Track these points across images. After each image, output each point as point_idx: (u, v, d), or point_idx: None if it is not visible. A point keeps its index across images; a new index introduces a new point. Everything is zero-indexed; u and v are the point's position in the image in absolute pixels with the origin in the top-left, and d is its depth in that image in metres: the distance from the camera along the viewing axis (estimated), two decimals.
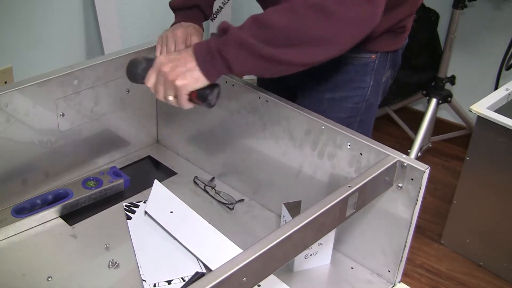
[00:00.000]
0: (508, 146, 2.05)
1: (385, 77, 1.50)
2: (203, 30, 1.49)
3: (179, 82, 1.13)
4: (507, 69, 2.51)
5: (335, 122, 1.22)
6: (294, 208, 1.25)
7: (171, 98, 1.17)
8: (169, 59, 1.16)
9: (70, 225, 1.32)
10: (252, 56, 1.09)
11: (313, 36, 1.07)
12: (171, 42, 1.40)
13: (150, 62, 1.20)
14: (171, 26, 1.48)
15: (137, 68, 1.21)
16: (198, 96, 1.16)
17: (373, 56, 1.43)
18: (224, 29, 1.16)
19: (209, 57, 1.13)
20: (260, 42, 1.08)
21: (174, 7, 1.53)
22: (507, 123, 2.01)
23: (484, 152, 2.14)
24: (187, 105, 1.18)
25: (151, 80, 1.18)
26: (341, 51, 1.11)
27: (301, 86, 1.51)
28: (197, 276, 1.19)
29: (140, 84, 1.22)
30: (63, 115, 1.37)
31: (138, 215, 1.36)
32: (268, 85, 1.58)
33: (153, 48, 1.50)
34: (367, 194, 1.07)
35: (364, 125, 1.51)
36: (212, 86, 1.17)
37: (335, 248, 1.27)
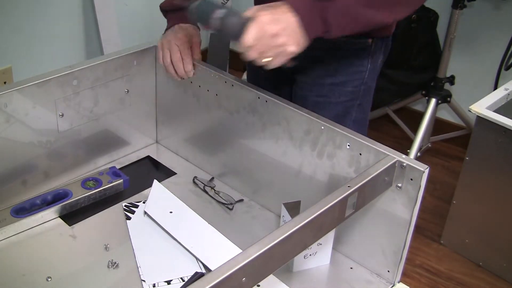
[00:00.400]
0: (507, 146, 2.05)
1: (380, 62, 1.54)
2: (199, 30, 1.48)
3: (291, 47, 1.12)
4: (507, 69, 2.51)
5: (335, 122, 1.22)
6: (294, 208, 1.25)
7: (268, 58, 1.13)
8: (272, 18, 1.11)
9: (70, 225, 1.32)
10: (353, 21, 1.15)
11: None
12: (175, 47, 1.40)
13: (236, 14, 1.13)
14: (167, 29, 1.47)
15: (228, 19, 1.12)
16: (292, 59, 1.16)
17: (370, 40, 1.47)
18: None
19: (312, 21, 1.13)
20: (361, 6, 1.14)
21: (166, 9, 1.50)
22: (507, 123, 2.01)
23: (483, 152, 2.14)
24: (275, 66, 1.16)
25: (251, 37, 1.10)
26: (416, 8, 1.23)
27: (302, 73, 1.53)
28: (197, 276, 1.19)
29: (224, 36, 1.16)
30: (62, 115, 1.37)
31: (137, 215, 1.36)
32: (263, 73, 1.59)
33: (154, 48, 1.50)
34: (367, 194, 1.07)
35: (363, 108, 1.55)
36: None
37: (334, 248, 1.27)
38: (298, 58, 1.15)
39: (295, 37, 1.12)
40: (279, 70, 1.48)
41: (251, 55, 1.12)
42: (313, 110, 1.33)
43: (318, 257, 1.25)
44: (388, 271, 1.21)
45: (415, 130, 2.74)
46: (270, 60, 1.13)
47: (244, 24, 1.11)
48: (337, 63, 1.48)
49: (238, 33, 1.11)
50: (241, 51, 1.14)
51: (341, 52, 1.47)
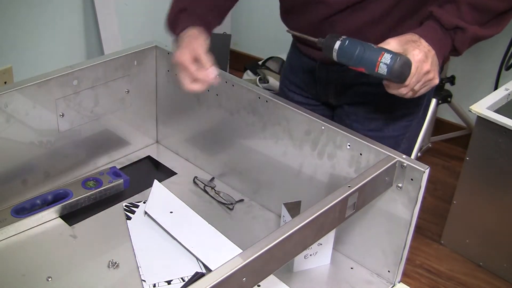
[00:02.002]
0: (508, 146, 2.05)
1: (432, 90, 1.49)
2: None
3: (437, 80, 1.17)
4: (507, 69, 2.51)
5: (335, 123, 1.22)
6: (294, 208, 1.25)
7: (413, 89, 1.16)
8: (426, 56, 1.14)
9: (70, 225, 1.32)
10: (474, 42, 1.20)
11: None
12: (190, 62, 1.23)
13: (398, 56, 1.12)
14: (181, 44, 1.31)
15: (397, 64, 1.11)
16: None
17: None
18: (457, 27, 1.18)
19: (443, 51, 1.18)
20: (479, 27, 1.17)
21: (172, 17, 1.39)
22: (507, 123, 2.01)
23: (484, 152, 2.14)
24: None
25: (413, 81, 1.14)
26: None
27: (353, 105, 1.44)
28: (197, 276, 1.19)
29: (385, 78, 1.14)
30: (62, 115, 1.37)
31: (137, 215, 1.36)
32: (294, 92, 1.53)
33: (154, 48, 1.50)
34: (367, 194, 1.07)
35: (410, 140, 1.49)
36: None
37: (335, 248, 1.27)
38: None
39: (437, 70, 1.17)
40: (322, 103, 1.48)
41: (403, 91, 1.15)
42: None
43: (319, 257, 1.25)
44: (389, 271, 1.21)
45: None
46: (414, 91, 1.16)
47: (408, 65, 1.12)
48: (395, 99, 1.36)
49: (403, 76, 1.13)
50: (395, 89, 1.16)
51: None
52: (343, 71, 1.28)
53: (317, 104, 1.50)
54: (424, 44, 1.14)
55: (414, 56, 1.12)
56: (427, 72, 1.14)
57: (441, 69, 1.25)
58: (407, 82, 1.13)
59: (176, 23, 1.38)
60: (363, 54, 1.11)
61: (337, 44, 1.14)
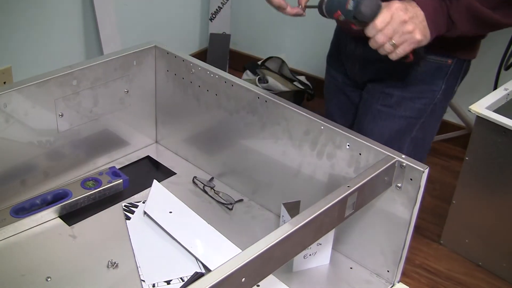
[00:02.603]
0: (507, 146, 2.05)
1: (456, 85, 1.51)
2: None
3: (418, 36, 1.16)
4: (506, 69, 2.51)
5: (334, 122, 1.22)
6: (293, 208, 1.25)
7: (391, 44, 1.16)
8: (405, 8, 1.16)
9: (69, 226, 1.32)
10: (476, 20, 1.18)
11: None
12: None
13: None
14: None
15: (364, 2, 1.15)
16: (414, 53, 1.20)
17: (450, 61, 1.45)
18: None
19: (437, 18, 1.18)
20: (485, 7, 1.17)
21: None
22: (506, 123, 2.01)
23: (483, 152, 2.14)
24: (399, 57, 1.19)
25: (384, 21, 1.15)
26: None
27: (373, 81, 1.52)
28: (196, 276, 1.19)
29: (355, 19, 1.17)
30: (62, 115, 1.37)
31: (137, 215, 1.36)
32: (335, 72, 1.63)
33: (153, 48, 1.50)
34: (366, 194, 1.07)
35: (426, 127, 1.50)
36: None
37: (334, 248, 1.27)
38: (421, 54, 1.22)
39: (422, 28, 1.17)
40: (351, 81, 1.54)
41: (379, 38, 1.16)
42: (374, 120, 1.32)
43: (318, 257, 1.25)
44: (388, 271, 1.21)
45: None
46: (395, 46, 1.16)
47: (378, 7, 1.16)
48: (409, 77, 1.46)
49: (370, 16, 1.16)
50: (370, 35, 1.18)
51: (417, 67, 1.45)
52: (365, 44, 1.28)
53: (351, 84, 1.60)
54: (411, 3, 1.17)
55: (392, 4, 1.15)
56: (404, 22, 1.15)
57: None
58: (380, 26, 1.15)
59: None
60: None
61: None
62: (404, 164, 1.10)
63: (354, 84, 1.63)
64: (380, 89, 1.50)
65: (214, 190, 1.46)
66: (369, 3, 1.15)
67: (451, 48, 1.42)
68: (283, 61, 3.40)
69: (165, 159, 1.59)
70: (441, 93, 1.47)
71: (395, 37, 1.16)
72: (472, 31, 1.26)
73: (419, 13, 1.17)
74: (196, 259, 1.24)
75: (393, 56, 1.19)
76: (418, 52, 1.22)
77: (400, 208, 1.13)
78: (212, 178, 1.51)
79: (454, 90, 1.52)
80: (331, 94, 1.73)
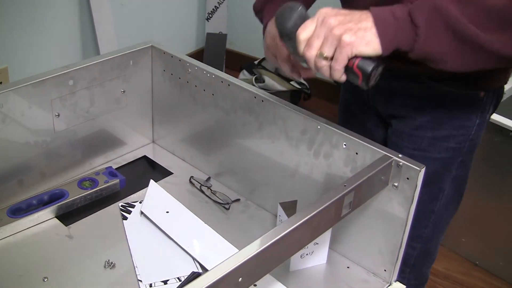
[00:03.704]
0: (504, 145, 2.05)
1: (489, 115, 1.36)
2: None
3: (347, 38, 0.93)
4: None
5: (331, 122, 1.22)
6: (290, 208, 1.25)
7: (324, 56, 0.95)
8: (337, 12, 0.96)
9: (66, 226, 1.32)
10: (450, 31, 0.91)
11: None
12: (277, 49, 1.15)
13: (305, 13, 0.99)
14: (264, 33, 1.24)
15: (292, 11, 0.99)
16: (359, 66, 0.95)
17: (482, 94, 1.28)
18: None
19: (392, 20, 0.94)
20: (464, 18, 0.90)
21: (258, 8, 1.29)
22: (504, 122, 2.01)
23: (480, 151, 2.14)
24: (340, 74, 0.96)
25: (307, 29, 0.96)
26: None
27: (400, 121, 1.37)
28: (193, 276, 1.19)
29: (284, 36, 1.00)
30: (58, 115, 1.36)
31: (134, 215, 1.36)
32: (355, 110, 1.45)
33: (150, 48, 1.50)
34: (363, 193, 1.07)
35: (465, 165, 1.39)
36: (378, 60, 0.96)
37: (331, 247, 1.27)
38: (368, 70, 0.96)
39: (357, 30, 0.94)
40: (374, 111, 1.35)
41: (306, 52, 0.97)
42: None
43: (315, 257, 1.25)
44: (385, 270, 1.21)
45: None
46: (324, 62, 0.96)
47: (301, 17, 0.99)
48: (441, 115, 1.29)
49: (292, 28, 0.99)
50: (300, 53, 0.99)
51: (448, 103, 1.27)
52: (390, 76, 1.14)
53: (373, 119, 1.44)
54: (358, 11, 0.97)
55: (322, 9, 0.97)
56: (333, 28, 0.94)
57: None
58: (302, 36, 0.96)
59: (261, 13, 1.30)
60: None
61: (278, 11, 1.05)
62: (401, 163, 1.10)
63: (377, 118, 1.45)
64: (409, 132, 1.35)
65: (211, 190, 1.46)
66: (288, 13, 1.00)
67: (481, 79, 1.26)
68: None
69: (162, 159, 1.59)
70: (476, 128, 1.33)
71: (324, 48, 0.95)
72: (448, 54, 0.95)
73: (363, 17, 0.95)
74: (193, 258, 1.24)
75: (335, 76, 0.97)
76: (361, 67, 0.96)
77: (397, 207, 1.13)
78: (209, 178, 1.51)
79: (488, 119, 1.37)
80: (349, 123, 1.44)
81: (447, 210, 1.42)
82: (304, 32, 0.97)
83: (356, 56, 0.95)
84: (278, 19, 1.03)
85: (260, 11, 1.31)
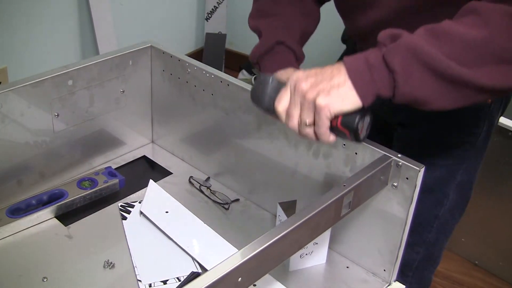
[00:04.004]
0: (502, 144, 2.05)
1: (497, 120, 1.34)
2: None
3: (321, 100, 0.89)
4: None
5: None
6: (290, 208, 1.25)
7: (307, 123, 0.92)
8: (308, 74, 0.92)
9: (65, 226, 1.32)
10: (430, 72, 0.86)
11: None
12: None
13: (278, 83, 0.97)
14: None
15: (265, 85, 0.97)
16: (343, 123, 0.91)
17: (490, 101, 1.25)
18: (392, 35, 0.91)
19: (367, 69, 0.89)
20: (442, 55, 0.86)
21: (254, 60, 1.25)
22: (503, 122, 2.01)
23: None
24: (328, 136, 0.93)
25: (283, 101, 0.94)
26: None
27: (407, 127, 1.35)
28: (193, 276, 1.19)
29: (265, 111, 0.98)
30: (58, 115, 1.36)
31: (133, 215, 1.36)
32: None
33: (149, 48, 1.50)
34: (362, 193, 1.07)
35: (470, 171, 1.36)
36: (361, 112, 0.92)
37: (330, 247, 1.27)
38: (353, 126, 0.92)
39: (331, 90, 0.90)
40: (377, 117, 1.27)
41: (289, 122, 0.95)
42: None
43: (314, 257, 1.25)
44: (384, 270, 1.21)
45: None
46: (309, 129, 0.93)
47: (274, 90, 0.96)
48: (448, 123, 1.27)
49: (261, 97, 0.98)
50: (284, 123, 0.96)
51: (455, 111, 1.08)
52: None
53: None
54: (328, 66, 0.93)
55: (294, 74, 0.93)
56: (306, 93, 0.91)
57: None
58: (280, 108, 0.94)
59: (259, 66, 1.26)
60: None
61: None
62: (400, 163, 1.10)
63: (380, 123, 1.33)
64: (415, 139, 1.34)
65: (210, 190, 1.46)
66: (262, 89, 0.97)
67: None
68: None
69: (161, 159, 1.59)
70: (483, 134, 1.31)
71: (303, 115, 0.92)
72: (432, 95, 0.90)
73: (335, 72, 0.91)
74: (193, 258, 1.24)
75: (322, 139, 0.94)
76: (345, 125, 0.92)
77: (396, 207, 1.13)
78: (208, 178, 1.51)
79: (496, 124, 1.35)
80: None
81: (451, 216, 1.41)
82: (281, 104, 0.95)
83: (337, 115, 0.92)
84: (253, 97, 1.00)
85: (256, 64, 1.28)
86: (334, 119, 0.91)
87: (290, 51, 1.22)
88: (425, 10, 1.05)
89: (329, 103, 0.89)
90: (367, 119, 0.93)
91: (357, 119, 0.91)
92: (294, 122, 0.94)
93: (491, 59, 0.86)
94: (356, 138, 0.93)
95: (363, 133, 0.93)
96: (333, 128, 0.92)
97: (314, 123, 0.93)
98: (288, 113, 0.94)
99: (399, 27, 0.93)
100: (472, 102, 0.91)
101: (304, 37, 1.29)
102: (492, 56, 0.86)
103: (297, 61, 1.22)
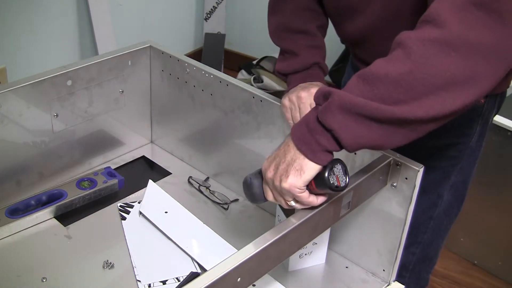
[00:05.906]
0: (501, 144, 2.05)
1: (491, 121, 1.34)
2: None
3: (284, 184, 0.93)
4: None
5: None
6: (289, 208, 1.25)
7: (292, 204, 0.97)
8: (270, 160, 0.97)
9: (65, 226, 1.32)
10: (366, 120, 0.87)
11: (445, 77, 0.85)
12: (296, 110, 1.20)
13: (259, 175, 1.02)
14: (288, 90, 1.27)
15: (252, 188, 1.02)
16: (318, 186, 0.94)
17: (483, 101, 1.25)
18: (324, 94, 0.93)
19: (308, 133, 0.92)
20: (374, 101, 0.86)
21: (287, 72, 1.30)
22: (502, 122, 2.01)
23: None
24: (315, 201, 0.96)
25: (267, 193, 1.00)
26: (491, 87, 0.88)
27: None
28: (192, 276, 1.19)
29: (264, 202, 1.04)
30: (57, 115, 1.36)
31: (132, 216, 1.36)
32: None
33: (148, 48, 1.50)
34: (362, 193, 1.07)
35: (465, 172, 1.36)
36: (327, 167, 0.93)
37: (330, 247, 1.27)
38: (326, 180, 0.94)
39: (287, 167, 0.94)
40: None
41: (282, 207, 1.01)
42: None
43: (314, 257, 1.25)
44: (383, 270, 1.22)
45: None
46: (296, 204, 0.97)
47: (247, 184, 1.03)
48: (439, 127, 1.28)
49: (248, 195, 1.05)
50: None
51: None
52: None
53: None
54: (284, 141, 0.97)
55: (262, 166, 0.99)
56: (272, 182, 0.96)
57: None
58: (270, 199, 1.00)
59: (285, 78, 1.31)
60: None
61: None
62: (399, 163, 1.10)
63: None
64: (410, 143, 1.32)
65: (210, 190, 1.46)
66: (249, 189, 1.03)
67: None
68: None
69: (161, 159, 1.59)
70: (477, 135, 1.30)
71: (284, 199, 0.97)
72: (379, 140, 0.90)
73: (286, 148, 0.95)
74: (192, 259, 1.24)
75: (314, 205, 0.97)
76: (320, 186, 0.94)
77: (395, 207, 1.13)
78: (208, 178, 1.51)
79: (490, 123, 1.34)
80: None
81: (447, 216, 1.41)
82: (268, 196, 1.00)
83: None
84: (247, 196, 1.05)
85: (284, 76, 1.32)
86: (310, 185, 0.94)
87: (321, 70, 1.29)
88: (410, 15, 1.06)
89: (291, 183, 0.93)
90: (338, 167, 0.94)
91: (326, 176, 0.93)
92: (284, 205, 0.98)
93: (422, 89, 0.85)
94: (338, 189, 0.94)
95: (341, 181, 0.94)
96: (314, 193, 0.95)
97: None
98: (276, 200, 0.99)
99: (386, 33, 0.96)
100: (424, 133, 0.90)
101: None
102: (422, 87, 0.85)
103: (324, 75, 1.30)
